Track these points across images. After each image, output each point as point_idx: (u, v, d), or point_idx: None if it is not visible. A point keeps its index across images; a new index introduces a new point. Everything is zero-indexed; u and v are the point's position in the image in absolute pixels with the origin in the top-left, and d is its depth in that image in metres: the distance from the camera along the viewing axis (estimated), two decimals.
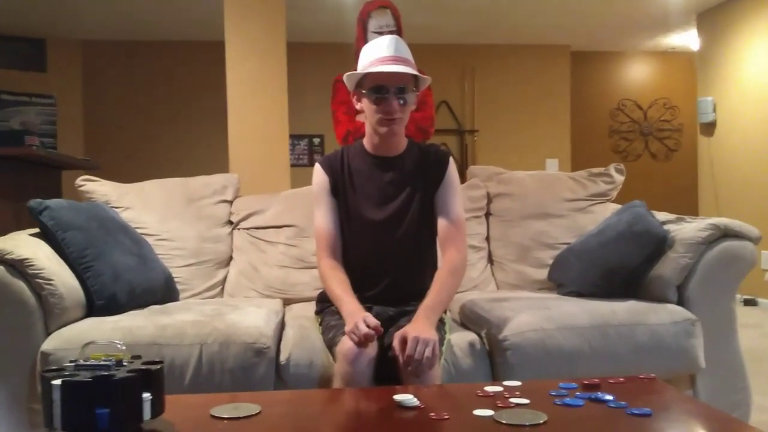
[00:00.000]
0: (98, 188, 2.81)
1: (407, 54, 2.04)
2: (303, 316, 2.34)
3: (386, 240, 2.09)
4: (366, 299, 2.02)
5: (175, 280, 2.62)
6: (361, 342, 1.77)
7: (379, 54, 2.02)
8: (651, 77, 8.27)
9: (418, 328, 1.80)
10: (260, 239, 2.85)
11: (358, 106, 2.11)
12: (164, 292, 2.50)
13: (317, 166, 2.16)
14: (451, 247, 2.08)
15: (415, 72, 2.01)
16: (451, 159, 2.18)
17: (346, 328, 1.82)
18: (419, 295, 1.99)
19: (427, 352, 1.73)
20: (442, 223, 2.11)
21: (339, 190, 2.12)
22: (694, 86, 6.68)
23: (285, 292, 2.73)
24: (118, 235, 2.42)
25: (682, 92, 8.11)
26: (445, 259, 2.07)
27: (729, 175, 6.08)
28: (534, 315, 2.17)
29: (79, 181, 2.82)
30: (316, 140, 7.34)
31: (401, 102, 2.01)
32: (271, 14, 3.78)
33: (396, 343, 1.77)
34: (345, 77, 2.08)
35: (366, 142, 2.15)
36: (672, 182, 8.09)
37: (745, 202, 5.86)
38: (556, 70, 7.66)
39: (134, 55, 7.08)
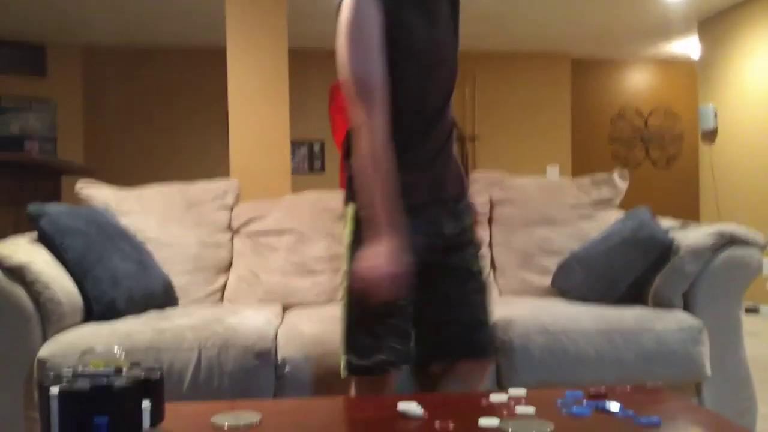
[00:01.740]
0: (98, 193, 2.79)
1: None
2: (301, 316, 2.32)
3: (446, 75, 1.68)
4: (427, 168, 1.65)
5: (175, 286, 2.59)
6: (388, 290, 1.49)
7: None
8: (652, 85, 8.27)
9: None
10: (261, 245, 2.82)
11: None
12: (163, 298, 2.48)
13: (366, 1, 1.55)
14: None
15: None
16: None
17: (378, 260, 1.49)
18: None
19: None
20: None
21: (394, 20, 1.58)
22: (695, 94, 6.68)
23: (285, 298, 2.71)
24: (118, 241, 2.40)
25: (683, 100, 8.10)
26: None
27: (730, 182, 6.07)
28: (539, 318, 2.16)
29: (78, 186, 2.80)
30: (317, 146, 7.33)
31: None
32: (272, 20, 3.76)
33: None
34: None
35: None
36: (672, 190, 8.08)
37: (746, 209, 5.84)
38: (557, 78, 7.66)
39: (134, 61, 7.07)
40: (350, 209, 1.68)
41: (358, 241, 1.61)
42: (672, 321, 2.22)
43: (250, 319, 2.16)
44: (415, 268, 1.58)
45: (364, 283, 1.53)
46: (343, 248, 1.68)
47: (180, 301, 2.60)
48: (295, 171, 6.97)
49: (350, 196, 1.68)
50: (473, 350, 1.70)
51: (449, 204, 1.72)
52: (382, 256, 1.51)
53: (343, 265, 1.67)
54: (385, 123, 1.56)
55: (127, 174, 6.62)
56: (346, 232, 1.68)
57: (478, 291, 1.73)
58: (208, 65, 6.78)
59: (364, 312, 1.61)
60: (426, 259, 1.64)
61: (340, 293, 1.68)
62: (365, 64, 1.54)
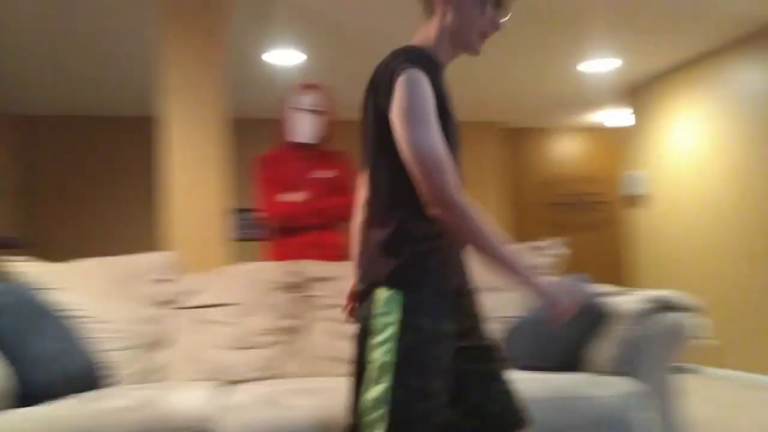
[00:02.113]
0: (28, 269, 2.68)
1: None
2: (243, 393, 2.25)
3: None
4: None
5: (110, 364, 2.49)
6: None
7: None
8: (584, 152, 8.56)
9: None
10: (199, 319, 2.75)
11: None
12: (97, 378, 2.38)
13: (422, 78, 1.57)
14: None
15: None
16: None
17: (564, 298, 1.53)
18: None
19: None
20: None
21: (442, 107, 1.62)
22: (627, 160, 6.94)
23: (226, 373, 2.63)
24: (48, 320, 2.31)
25: (616, 166, 8.40)
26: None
27: (663, 246, 6.26)
28: None
29: (8, 262, 2.70)
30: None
31: None
32: (208, 90, 3.76)
33: None
34: None
35: (442, 50, 1.73)
36: (607, 254, 8.27)
37: (679, 272, 6.01)
38: (491, 146, 7.85)
39: (66, 130, 6.98)
40: (387, 293, 1.56)
41: (415, 328, 1.53)
42: (612, 387, 2.25)
43: (189, 399, 2.09)
44: (452, 352, 1.60)
45: (563, 309, 1.54)
46: (381, 336, 1.53)
47: (115, 381, 2.50)
48: (239, 238, 6.92)
49: (386, 280, 1.57)
50: (516, 421, 1.71)
51: (468, 282, 1.76)
52: (557, 283, 1.55)
53: (387, 355, 1.51)
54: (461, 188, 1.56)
55: (60, 244, 6.45)
56: (390, 323, 1.53)
57: (502, 364, 1.76)
58: (140, 133, 6.84)
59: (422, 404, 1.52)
60: (460, 342, 1.66)
61: (382, 380, 1.51)
62: (429, 140, 1.54)
